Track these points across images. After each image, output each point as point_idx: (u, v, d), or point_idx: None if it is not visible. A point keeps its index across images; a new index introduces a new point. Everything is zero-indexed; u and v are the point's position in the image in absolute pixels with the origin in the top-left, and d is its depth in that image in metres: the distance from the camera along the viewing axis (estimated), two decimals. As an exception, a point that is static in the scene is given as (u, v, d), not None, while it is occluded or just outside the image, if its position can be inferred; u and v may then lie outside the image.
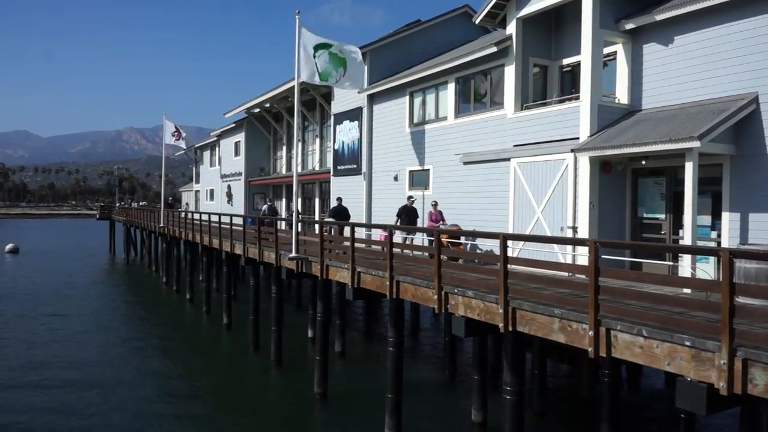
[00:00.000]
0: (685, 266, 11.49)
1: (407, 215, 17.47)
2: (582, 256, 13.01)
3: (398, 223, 17.17)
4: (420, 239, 17.61)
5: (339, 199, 21.26)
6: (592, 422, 11.97)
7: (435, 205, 17.48)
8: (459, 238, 15.63)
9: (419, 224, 18.19)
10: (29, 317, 23.75)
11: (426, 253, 12.95)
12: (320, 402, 14.03)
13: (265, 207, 27.82)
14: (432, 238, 14.70)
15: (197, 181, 51.28)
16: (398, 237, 16.29)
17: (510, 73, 16.27)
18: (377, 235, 19.16)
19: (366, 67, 23.28)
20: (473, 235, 15.04)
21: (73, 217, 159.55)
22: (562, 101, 15.39)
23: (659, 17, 12.82)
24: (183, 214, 31.18)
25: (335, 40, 15.07)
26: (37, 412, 13.24)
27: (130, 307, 27.13)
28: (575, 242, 12.64)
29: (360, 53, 15.55)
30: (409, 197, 18.17)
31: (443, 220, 17.23)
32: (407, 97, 21.23)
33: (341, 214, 19.96)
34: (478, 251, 16.36)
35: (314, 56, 14.72)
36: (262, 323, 18.61)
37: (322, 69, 14.92)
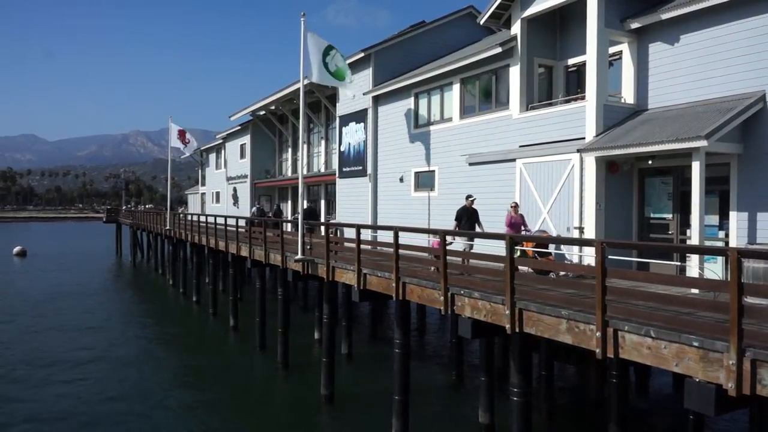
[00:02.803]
0: (692, 266, 11.43)
1: (468, 218, 14.49)
2: (589, 256, 12.96)
3: (459, 228, 14.25)
4: (482, 245, 13.94)
5: (309, 202, 22.13)
6: (600, 424, 11.91)
7: (515, 207, 14.01)
8: (547, 247, 12.87)
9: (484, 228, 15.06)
10: (37, 318, 23.86)
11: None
12: (327, 404, 14.02)
13: (254, 209, 28.15)
14: (516, 246, 13.20)
15: (203, 184, 51.43)
16: (459, 244, 13.76)
17: (515, 73, 16.24)
18: (422, 241, 15.91)
19: (370, 71, 23.40)
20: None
21: (80, 221, 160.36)
22: (567, 101, 15.35)
23: (665, 16, 12.77)
24: (189, 217, 31.32)
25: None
26: (43, 404, 13.35)
27: (137, 309, 27.23)
28: (582, 243, 12.58)
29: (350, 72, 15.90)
30: (468, 196, 14.91)
31: (525, 224, 14.01)
32: (412, 99, 21.22)
33: (312, 214, 22.31)
34: (566, 261, 13.77)
35: (325, 58, 14.74)
36: (269, 325, 18.63)
37: (339, 67, 14.93)
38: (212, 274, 25.88)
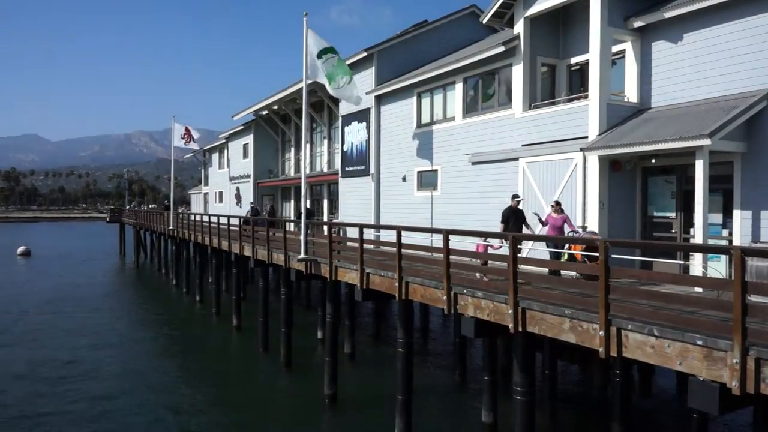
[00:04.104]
0: (696, 265, 11.40)
1: (516, 220, 13.21)
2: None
3: (506, 230, 12.96)
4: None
5: (306, 202, 22.93)
6: (603, 423, 11.90)
7: (557, 206, 12.82)
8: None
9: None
10: (42, 318, 23.94)
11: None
12: (330, 403, 14.04)
13: (248, 208, 28.21)
14: (555, 250, 11.89)
15: (206, 184, 51.48)
16: (506, 248, 13.47)
17: (518, 72, 16.22)
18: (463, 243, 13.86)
19: (373, 70, 23.40)
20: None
21: (84, 220, 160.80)
22: (570, 100, 15.32)
23: (668, 15, 12.75)
24: (191, 217, 31.41)
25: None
26: (47, 403, 13.37)
27: (140, 309, 27.27)
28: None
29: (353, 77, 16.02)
30: (515, 196, 13.58)
31: (571, 225, 12.69)
32: (415, 98, 21.21)
33: (309, 214, 22.32)
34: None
35: (319, 58, 14.84)
36: (272, 325, 18.65)
37: (327, 72, 15.03)
38: (215, 274, 25.92)
